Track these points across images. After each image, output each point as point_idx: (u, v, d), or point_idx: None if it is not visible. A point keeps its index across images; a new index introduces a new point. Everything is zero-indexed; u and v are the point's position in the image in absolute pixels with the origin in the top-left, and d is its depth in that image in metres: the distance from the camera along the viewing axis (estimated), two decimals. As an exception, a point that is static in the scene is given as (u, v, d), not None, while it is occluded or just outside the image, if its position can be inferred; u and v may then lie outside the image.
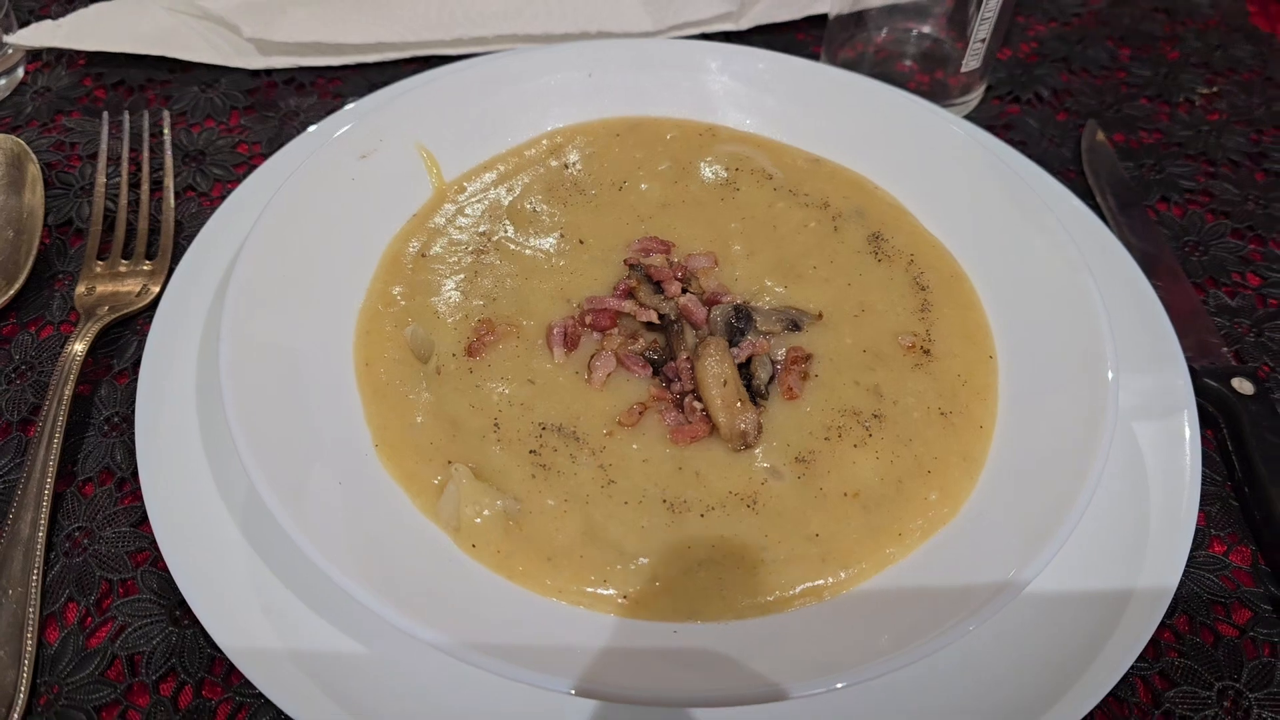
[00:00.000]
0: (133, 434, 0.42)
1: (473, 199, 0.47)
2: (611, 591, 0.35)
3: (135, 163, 0.52)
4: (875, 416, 0.40)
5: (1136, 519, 0.39)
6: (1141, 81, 0.63)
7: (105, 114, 0.52)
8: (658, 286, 0.43)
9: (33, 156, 0.49)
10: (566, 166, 0.48)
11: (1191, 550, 0.40)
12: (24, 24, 0.58)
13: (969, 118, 0.59)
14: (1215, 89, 0.63)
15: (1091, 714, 0.35)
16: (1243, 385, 0.45)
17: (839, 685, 0.31)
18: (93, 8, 0.58)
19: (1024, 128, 0.59)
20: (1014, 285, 0.44)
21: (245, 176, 0.53)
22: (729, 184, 0.48)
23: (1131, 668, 0.37)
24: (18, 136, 0.54)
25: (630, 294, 0.42)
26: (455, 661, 0.31)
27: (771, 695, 0.32)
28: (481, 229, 0.45)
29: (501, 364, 0.41)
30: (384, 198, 0.46)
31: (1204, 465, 0.43)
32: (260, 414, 0.36)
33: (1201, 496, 0.42)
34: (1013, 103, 0.61)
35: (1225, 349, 0.48)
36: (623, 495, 0.37)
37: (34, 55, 0.58)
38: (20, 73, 0.57)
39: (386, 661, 0.35)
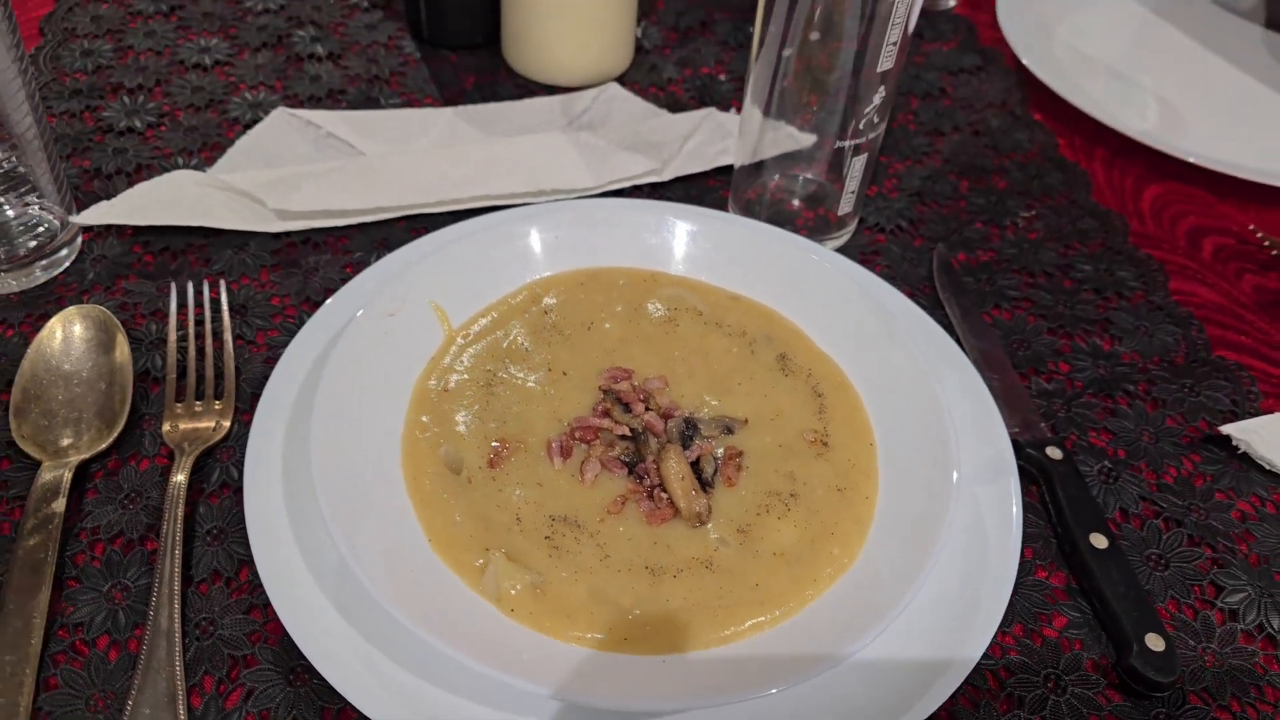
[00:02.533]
0: (231, 542, 0.55)
1: (476, 341, 0.61)
2: (616, 636, 0.49)
3: (197, 319, 0.64)
4: (792, 495, 0.55)
5: (980, 554, 0.55)
6: (977, 209, 0.80)
7: (172, 283, 0.65)
8: (626, 407, 0.57)
9: (117, 323, 0.61)
10: (545, 312, 0.62)
11: (1020, 576, 0.55)
12: (80, 203, 0.70)
13: (846, 246, 0.75)
14: (1034, 212, 0.80)
15: (956, 696, 0.50)
16: (1054, 452, 0.61)
17: (774, 691, 0.46)
18: (138, 188, 0.71)
19: (888, 253, 0.76)
20: (885, 390, 0.59)
21: (282, 325, 0.66)
22: (670, 320, 0.63)
23: (981, 662, 0.51)
24: (86, 300, 0.66)
25: (606, 413, 0.57)
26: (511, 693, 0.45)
27: (725, 701, 0.46)
28: (487, 366, 0.59)
29: (516, 472, 0.55)
30: (408, 345, 0.59)
31: (1030, 513, 0.59)
32: (344, 519, 0.49)
33: (1027, 536, 0.57)
34: (879, 232, 0.77)
35: (1043, 424, 0.64)
36: (616, 565, 0.51)
37: (86, 227, 0.70)
38: (78, 243, 0.69)
39: (449, 688, 0.48)
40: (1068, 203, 0.81)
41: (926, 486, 0.54)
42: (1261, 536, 0.60)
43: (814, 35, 0.64)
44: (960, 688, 0.49)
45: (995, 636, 0.51)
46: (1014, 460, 0.58)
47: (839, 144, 0.68)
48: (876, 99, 0.66)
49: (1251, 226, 0.80)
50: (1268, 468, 0.63)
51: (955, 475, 0.53)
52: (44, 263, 0.67)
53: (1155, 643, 0.52)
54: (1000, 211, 0.80)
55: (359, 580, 0.47)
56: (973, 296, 0.72)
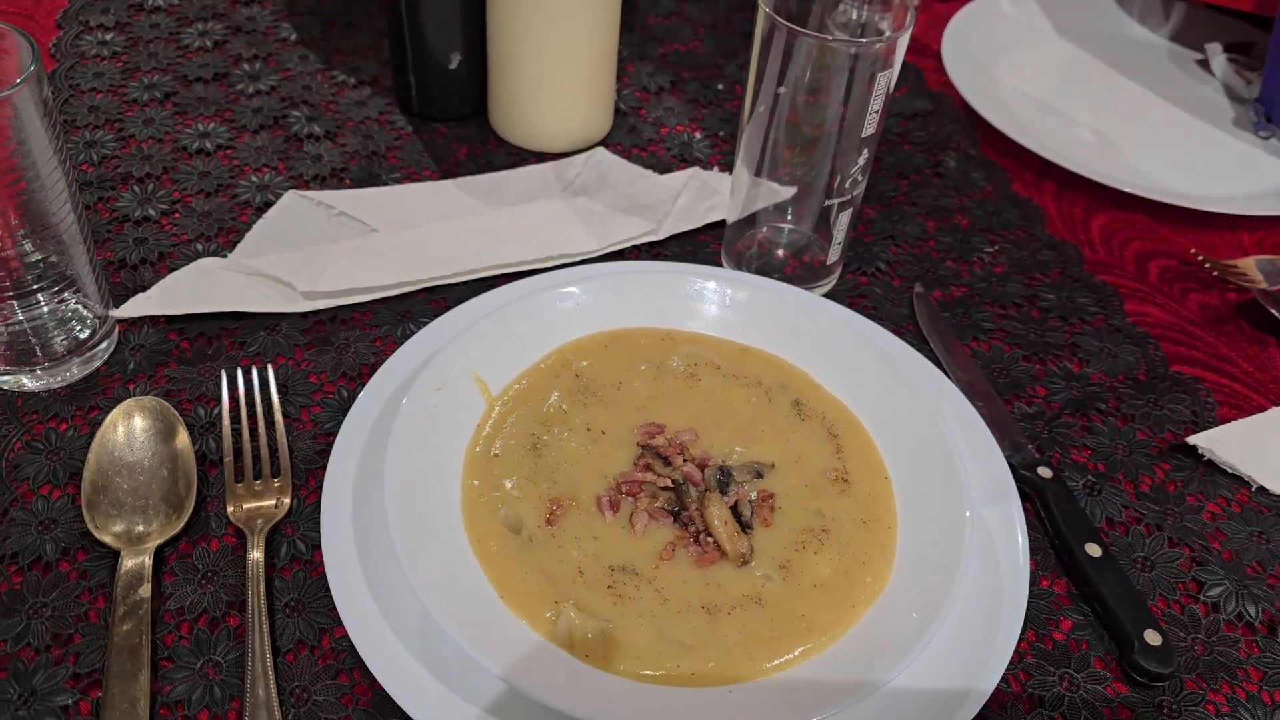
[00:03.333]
0: (309, 612, 0.59)
1: (515, 408, 0.65)
2: (684, 672, 0.54)
3: (247, 401, 0.68)
4: (823, 530, 0.60)
5: (993, 570, 0.61)
6: (946, 247, 0.87)
7: (223, 372, 0.68)
8: (665, 460, 0.63)
9: (175, 413, 0.65)
10: (577, 375, 0.67)
11: (1030, 586, 0.63)
12: (112, 295, 0.73)
13: (833, 291, 0.82)
14: (996, 247, 0.88)
15: (988, 701, 0.56)
16: (1044, 472, 0.68)
17: (833, 713, 0.52)
18: (170, 278, 0.74)
19: (872, 294, 0.82)
20: (892, 427, 0.65)
21: (322, 400, 0.70)
22: (691, 375, 0.68)
23: (1006, 668, 0.58)
24: (132, 389, 0.70)
25: (648, 467, 0.62)
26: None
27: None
28: (530, 430, 0.64)
29: (572, 528, 0.59)
30: (454, 416, 0.64)
31: (1030, 529, 0.66)
32: (424, 581, 0.54)
33: (1030, 549, 0.65)
34: (861, 275, 0.84)
35: (1030, 445, 0.71)
36: (675, 607, 0.56)
37: (120, 319, 0.73)
38: (115, 336, 0.72)
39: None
40: (1026, 236, 0.89)
41: (942, 513, 0.60)
42: (1231, 534, 0.67)
43: (801, 103, 0.70)
44: (991, 693, 0.55)
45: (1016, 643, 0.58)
46: (1013, 483, 0.65)
47: (826, 202, 0.74)
48: (860, 160, 0.72)
49: (1192, 250, 0.88)
50: (1231, 471, 0.70)
51: (968, 504, 0.59)
52: (86, 356, 0.70)
53: (1153, 638, 0.59)
54: (966, 248, 0.87)
55: (448, 637, 0.51)
56: (952, 330, 0.79)
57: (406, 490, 0.58)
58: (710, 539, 0.59)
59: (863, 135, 0.70)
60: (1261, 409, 0.76)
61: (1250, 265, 0.87)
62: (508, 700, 0.54)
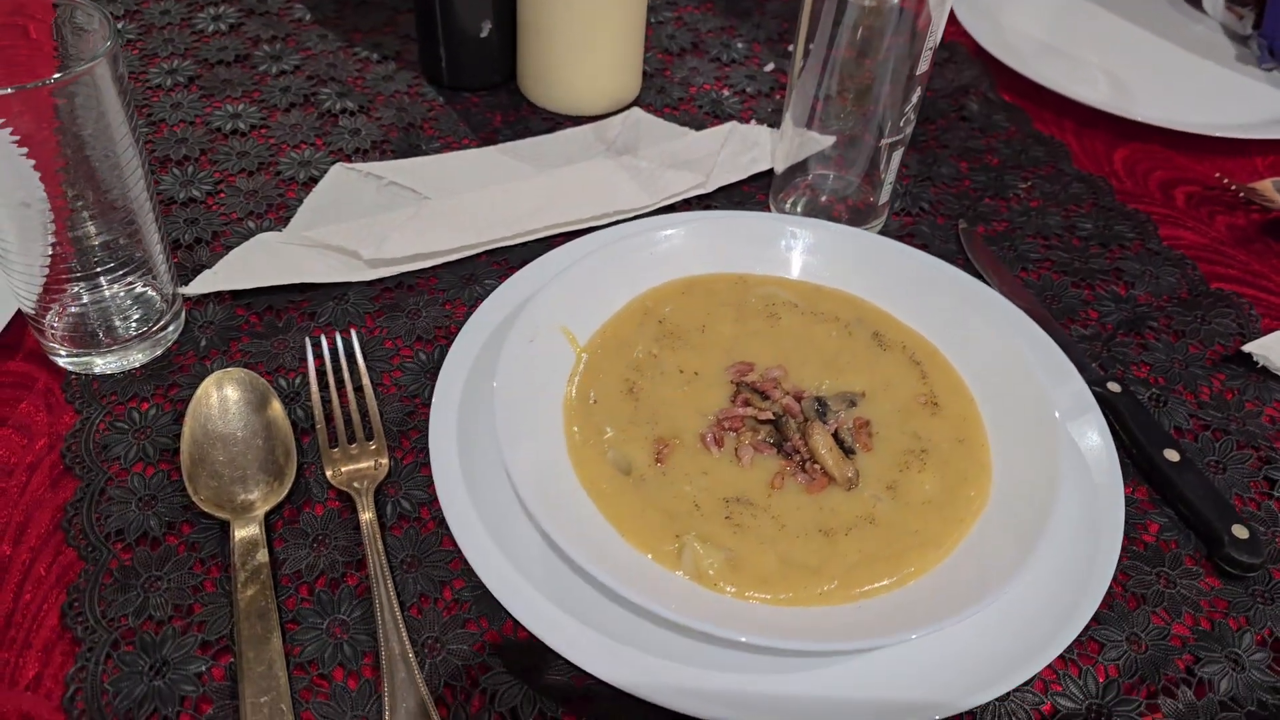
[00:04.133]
0: (427, 566, 0.59)
1: (605, 356, 0.66)
2: (812, 592, 0.55)
3: (334, 368, 0.68)
4: (923, 451, 0.62)
5: (1086, 479, 0.63)
6: (981, 186, 0.89)
7: (308, 340, 0.68)
8: (762, 395, 0.64)
9: (265, 382, 0.65)
10: (660, 321, 0.68)
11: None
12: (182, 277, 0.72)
13: (883, 232, 0.83)
14: (1029, 183, 0.90)
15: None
16: (1114, 386, 0.70)
17: (954, 620, 0.53)
18: (233, 254, 0.73)
19: (920, 233, 0.84)
20: (971, 350, 0.67)
21: (400, 365, 0.70)
22: (771, 314, 0.69)
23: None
24: (206, 365, 0.69)
25: (747, 403, 0.63)
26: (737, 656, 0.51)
27: (925, 633, 0.53)
28: (625, 376, 0.65)
29: (681, 465, 0.60)
30: (548, 368, 0.64)
31: (1106, 442, 0.69)
32: (560, 530, 0.54)
33: (1112, 461, 0.67)
34: (907, 216, 0.86)
35: (1094, 364, 0.73)
36: (794, 532, 0.58)
37: (187, 297, 0.72)
38: (183, 316, 0.72)
39: (680, 659, 0.54)
40: (1055, 172, 0.91)
41: (1032, 427, 0.62)
42: (1292, 435, 0.70)
43: (854, 52, 0.72)
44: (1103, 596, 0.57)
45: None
46: (1091, 396, 0.67)
47: (881, 142, 0.76)
48: (915, 98, 0.74)
49: (1217, 174, 0.91)
50: (1285, 376, 0.73)
51: (1055, 413, 0.61)
52: (157, 336, 0.69)
53: (1240, 532, 0.61)
54: (1001, 186, 0.89)
55: (581, 573, 0.52)
56: (1002, 262, 0.81)
57: (517, 439, 0.58)
58: (817, 466, 0.60)
59: (916, 72, 0.72)
60: (1301, 319, 0.79)
61: (1268, 186, 0.90)
62: (642, 631, 0.54)
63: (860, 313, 0.70)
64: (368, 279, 0.75)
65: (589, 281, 0.68)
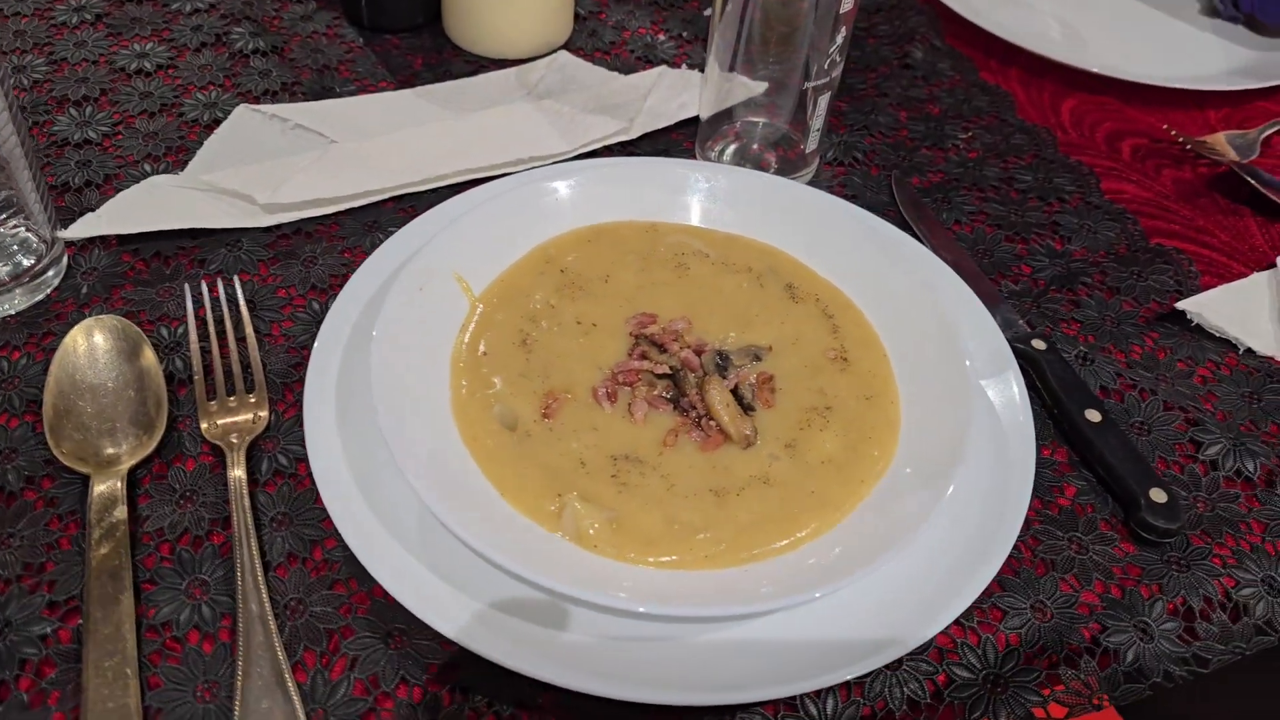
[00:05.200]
0: (298, 524, 0.56)
1: (501, 306, 0.63)
2: (697, 555, 0.52)
3: (215, 318, 0.65)
4: (826, 408, 0.59)
5: (999, 438, 0.60)
6: (919, 135, 0.86)
7: (186, 285, 0.65)
8: (660, 348, 0.60)
9: (139, 330, 0.61)
10: (562, 270, 0.65)
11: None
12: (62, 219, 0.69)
13: (813, 182, 0.80)
14: (970, 133, 0.86)
15: (1000, 569, 0.55)
16: (1038, 344, 0.67)
17: (847, 582, 0.50)
18: (120, 196, 0.70)
19: (851, 183, 0.80)
20: (886, 304, 0.64)
21: (292, 315, 0.67)
22: (680, 265, 0.66)
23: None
24: (85, 313, 0.66)
25: (644, 356, 0.60)
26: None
27: (815, 595, 0.50)
28: (519, 327, 0.61)
29: (570, 420, 0.57)
30: (438, 317, 0.61)
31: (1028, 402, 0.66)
32: (426, 486, 0.51)
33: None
34: (839, 166, 0.82)
35: (1020, 320, 0.70)
36: (683, 492, 0.55)
37: (70, 242, 0.69)
38: (64, 261, 0.68)
39: (553, 624, 0.51)
40: (997, 122, 0.88)
41: (943, 383, 0.58)
42: (1222, 395, 0.67)
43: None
44: (1005, 562, 0.54)
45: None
46: (1011, 354, 0.64)
47: (806, 85, 0.72)
48: (839, 39, 0.70)
49: (1166, 126, 0.87)
50: (1218, 335, 0.70)
51: (968, 369, 0.58)
52: (35, 282, 0.66)
53: (1158, 495, 0.59)
54: (940, 136, 0.85)
55: (452, 536, 0.49)
56: (934, 215, 0.77)
57: (395, 393, 0.55)
58: (713, 423, 0.57)
59: (840, 11, 0.68)
60: (1243, 276, 0.76)
61: (1220, 140, 0.87)
62: (516, 596, 0.52)
63: (774, 263, 0.67)
64: (264, 225, 0.71)
65: (487, 228, 0.64)
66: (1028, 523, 0.59)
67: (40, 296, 0.66)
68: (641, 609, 0.48)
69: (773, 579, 0.51)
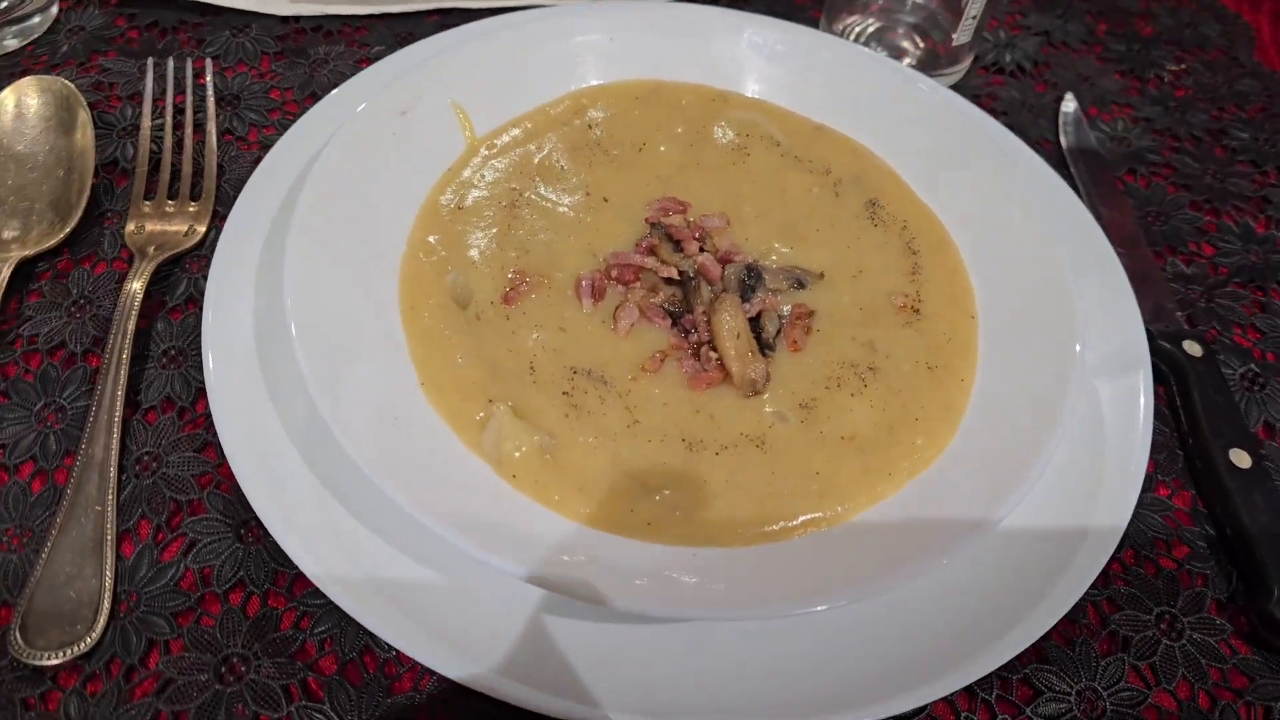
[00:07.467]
0: (189, 366, 0.46)
1: (502, 154, 0.50)
2: (638, 519, 0.40)
3: (177, 106, 0.54)
4: (870, 369, 0.45)
5: (1093, 464, 0.45)
6: (1116, 56, 0.67)
7: (150, 60, 0.55)
8: (677, 245, 0.47)
9: (82, 100, 0.52)
10: (590, 127, 0.52)
11: (1140, 493, 0.46)
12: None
13: (956, 87, 0.63)
14: (1183, 65, 0.67)
15: (1049, 633, 0.41)
16: (1192, 347, 0.50)
17: (821, 608, 0.37)
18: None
19: (1006, 98, 0.63)
20: (995, 253, 0.48)
21: (279, 121, 0.56)
22: (740, 149, 0.52)
23: (1084, 594, 0.42)
24: (57, 75, 0.57)
25: (652, 251, 0.47)
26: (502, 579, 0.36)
27: (770, 614, 0.37)
28: (512, 184, 0.49)
29: (535, 312, 0.45)
30: (420, 152, 0.49)
31: (1155, 419, 0.49)
32: (320, 350, 0.40)
33: (1151, 446, 0.48)
34: (997, 73, 0.65)
35: (1179, 313, 0.53)
36: (646, 434, 0.42)
37: (65, -8, 0.59)
38: (54, 10, 0.59)
39: (427, 561, 0.39)
40: (1226, 59, 0.68)
41: (1037, 372, 0.43)
42: None
43: None
44: (1056, 625, 0.39)
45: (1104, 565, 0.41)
46: (1147, 352, 0.47)
47: (967, -50, 0.55)
48: (1022, -109, 0.52)
49: None
50: None
51: (1077, 369, 0.42)
52: (13, 29, 0.57)
53: (1305, 588, 0.42)
54: (1143, 62, 0.67)
55: (329, 426, 0.38)
56: (1104, 158, 0.60)
57: (328, 229, 0.44)
58: (714, 355, 0.43)
59: None
60: None
61: None
62: (398, 518, 0.40)
63: (862, 170, 0.51)
64: (282, 14, 0.60)
65: (510, 56, 0.51)
66: (1107, 576, 0.43)
67: (17, 45, 0.57)
68: (525, 573, 0.36)
69: (724, 576, 0.38)
